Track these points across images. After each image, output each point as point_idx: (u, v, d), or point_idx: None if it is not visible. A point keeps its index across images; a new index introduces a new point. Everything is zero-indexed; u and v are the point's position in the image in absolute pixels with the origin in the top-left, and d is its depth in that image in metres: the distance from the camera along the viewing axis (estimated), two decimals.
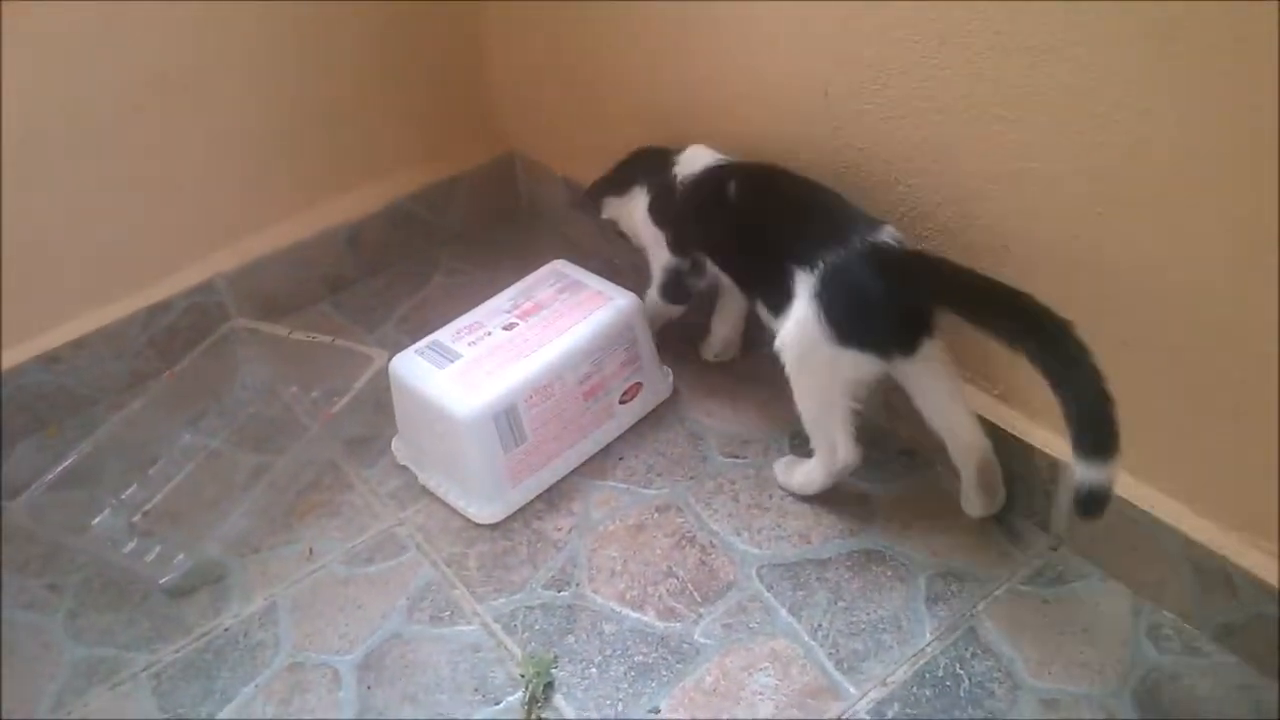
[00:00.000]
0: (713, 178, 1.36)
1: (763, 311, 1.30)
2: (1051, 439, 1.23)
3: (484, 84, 1.90)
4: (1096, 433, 0.97)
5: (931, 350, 1.19)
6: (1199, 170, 0.97)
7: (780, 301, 1.22)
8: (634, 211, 1.48)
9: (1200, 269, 1.01)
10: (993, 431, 1.25)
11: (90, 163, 1.54)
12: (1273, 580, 1.05)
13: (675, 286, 1.48)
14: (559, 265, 1.54)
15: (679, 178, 1.40)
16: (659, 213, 1.45)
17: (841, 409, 1.24)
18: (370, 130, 1.81)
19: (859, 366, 1.19)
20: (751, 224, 1.29)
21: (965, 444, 1.24)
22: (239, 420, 1.60)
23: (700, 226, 1.40)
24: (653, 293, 1.50)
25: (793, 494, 1.36)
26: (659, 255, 1.47)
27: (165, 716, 1.20)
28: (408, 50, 1.78)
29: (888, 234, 1.18)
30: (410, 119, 1.85)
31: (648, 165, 1.47)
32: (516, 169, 1.98)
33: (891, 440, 1.41)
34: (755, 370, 1.53)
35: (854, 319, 1.16)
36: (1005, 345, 1.05)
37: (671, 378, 1.56)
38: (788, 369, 1.24)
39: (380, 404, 1.49)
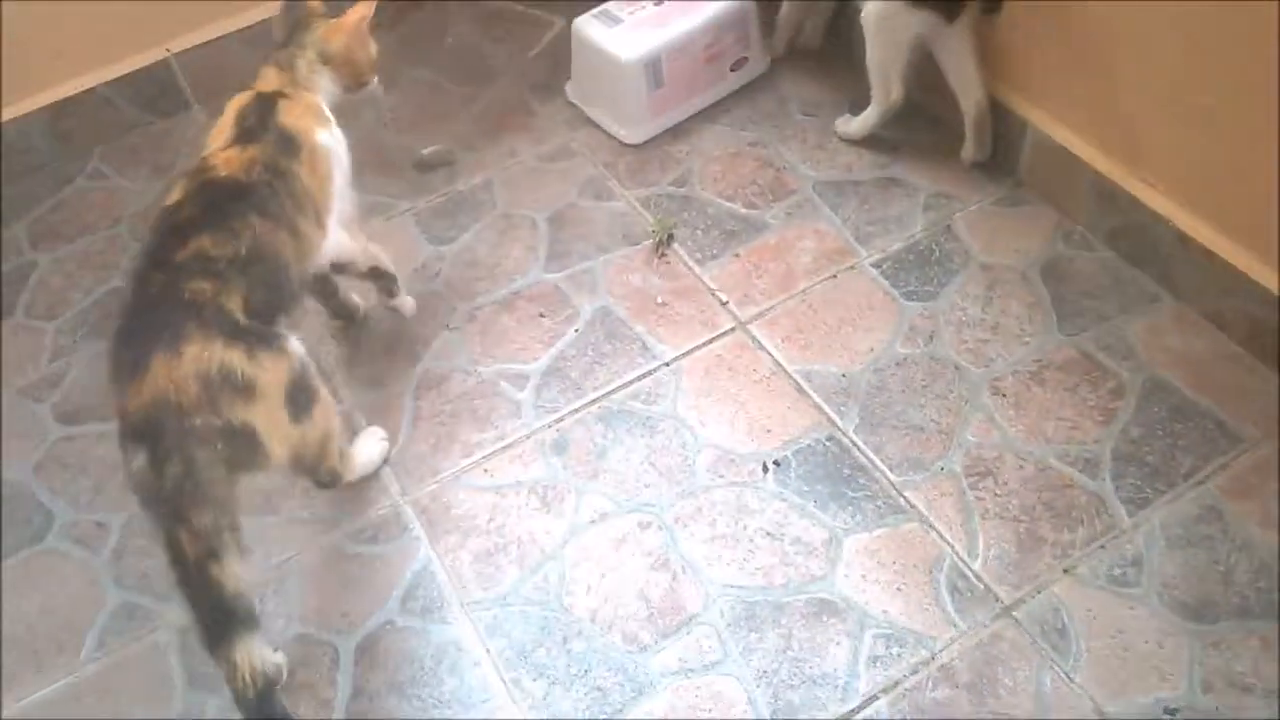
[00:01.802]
0: None
1: None
2: (1023, 103, 1.80)
3: None
4: None
5: (965, 21, 1.73)
6: None
7: None
8: None
9: None
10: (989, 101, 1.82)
11: None
12: (1147, 200, 1.65)
13: None
14: None
15: None
16: None
17: (901, 60, 1.79)
18: None
19: (923, 23, 1.73)
20: None
21: (973, 98, 1.80)
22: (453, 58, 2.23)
23: None
24: None
25: (848, 139, 1.96)
26: None
27: (429, 240, 1.91)
28: None
29: None
30: None
31: None
32: None
33: (921, 112, 1.97)
34: (830, 60, 2.10)
35: None
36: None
37: (769, 58, 2.12)
38: (867, 30, 1.78)
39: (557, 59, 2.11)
